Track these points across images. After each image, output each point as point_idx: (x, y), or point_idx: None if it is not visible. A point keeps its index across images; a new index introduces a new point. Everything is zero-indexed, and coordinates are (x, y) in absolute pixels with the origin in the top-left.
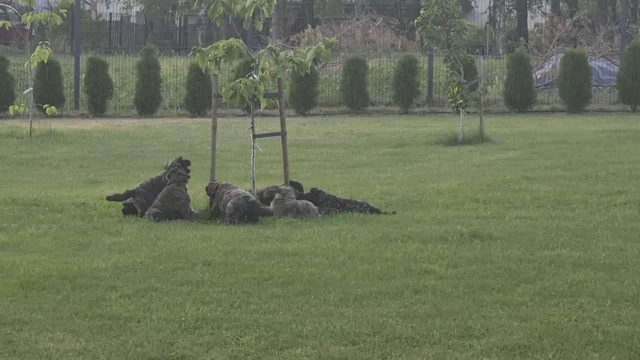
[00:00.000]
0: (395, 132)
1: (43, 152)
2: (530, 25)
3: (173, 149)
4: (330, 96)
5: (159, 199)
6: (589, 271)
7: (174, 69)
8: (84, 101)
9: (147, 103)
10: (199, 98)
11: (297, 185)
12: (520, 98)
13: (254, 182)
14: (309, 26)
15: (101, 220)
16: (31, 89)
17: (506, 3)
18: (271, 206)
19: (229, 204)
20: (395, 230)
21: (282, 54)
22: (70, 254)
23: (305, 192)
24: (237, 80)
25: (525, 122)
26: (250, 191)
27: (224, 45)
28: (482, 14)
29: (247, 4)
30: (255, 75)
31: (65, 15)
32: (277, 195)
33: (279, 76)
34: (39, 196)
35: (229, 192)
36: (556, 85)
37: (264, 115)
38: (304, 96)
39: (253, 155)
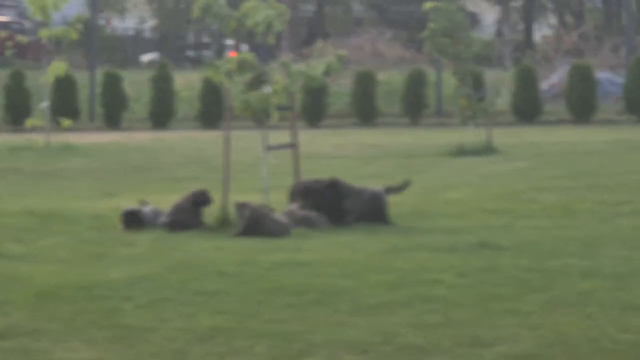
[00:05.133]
0: (404, 143)
1: (59, 165)
2: (537, 37)
3: (186, 161)
4: (340, 108)
5: (174, 207)
6: (597, 280)
7: (187, 82)
8: (99, 114)
9: (161, 116)
10: (212, 111)
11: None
12: (527, 109)
13: (267, 193)
14: (320, 40)
15: (116, 231)
16: (48, 102)
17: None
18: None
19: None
20: (406, 241)
21: (294, 67)
22: (86, 265)
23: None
24: (250, 93)
25: (533, 132)
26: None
27: (236, 59)
28: (488, 26)
29: (259, 19)
30: (267, 88)
31: (81, 30)
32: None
33: (291, 89)
34: (55, 208)
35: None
36: (563, 96)
37: (275, 127)
38: (314, 108)
39: (265, 167)
